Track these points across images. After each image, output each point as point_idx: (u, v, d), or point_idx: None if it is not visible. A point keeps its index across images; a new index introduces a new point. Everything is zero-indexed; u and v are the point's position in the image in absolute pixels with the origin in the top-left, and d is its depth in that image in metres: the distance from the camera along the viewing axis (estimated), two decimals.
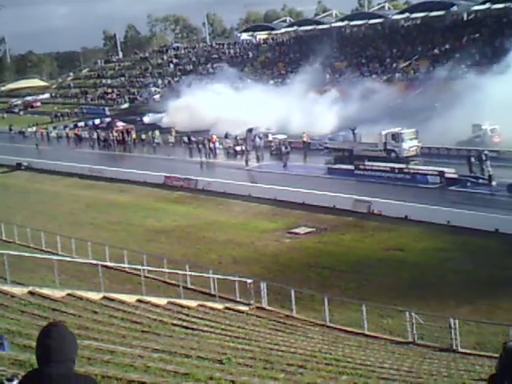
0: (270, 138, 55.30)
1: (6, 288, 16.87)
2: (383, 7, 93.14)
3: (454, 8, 74.63)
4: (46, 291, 17.62)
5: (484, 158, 39.89)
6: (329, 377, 12.46)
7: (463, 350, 18.02)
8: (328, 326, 20.65)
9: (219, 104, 61.91)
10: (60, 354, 3.41)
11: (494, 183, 36.48)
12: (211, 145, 56.34)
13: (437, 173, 39.30)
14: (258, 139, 54.74)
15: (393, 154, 44.50)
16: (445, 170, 39.31)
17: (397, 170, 40.99)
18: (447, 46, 67.40)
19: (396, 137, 44.68)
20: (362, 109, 52.50)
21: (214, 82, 71.55)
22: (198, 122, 62.08)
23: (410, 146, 44.32)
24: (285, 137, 54.44)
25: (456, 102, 45.58)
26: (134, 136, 66.54)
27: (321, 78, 68.78)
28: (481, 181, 37.19)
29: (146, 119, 75.43)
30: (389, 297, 23.18)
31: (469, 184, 37.31)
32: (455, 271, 25.71)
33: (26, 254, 22.26)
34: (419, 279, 25.24)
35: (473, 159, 39.86)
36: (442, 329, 18.21)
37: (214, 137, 57.33)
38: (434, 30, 72.32)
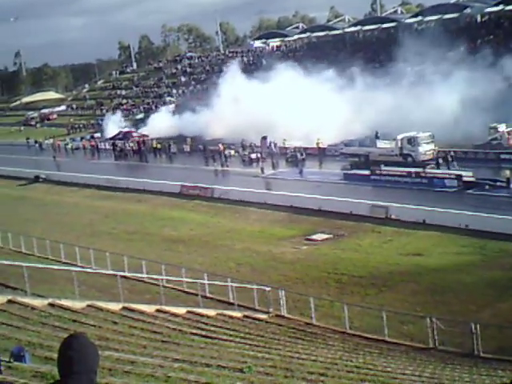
0: (286, 144, 55.32)
1: (27, 300, 16.98)
2: (396, 11, 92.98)
3: (468, 10, 74.24)
4: (66, 303, 17.69)
5: (450, 159, 40.99)
6: None
7: (485, 355, 17.86)
8: (348, 334, 20.55)
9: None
10: (82, 365, 3.39)
11: None
12: (226, 152, 56.41)
13: (454, 176, 39.04)
14: (273, 146, 54.84)
15: (409, 159, 44.35)
16: (462, 173, 39.07)
17: (413, 175, 40.74)
18: (462, 49, 67.02)
19: (412, 141, 44.55)
20: None
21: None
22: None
23: (426, 149, 44.17)
24: (300, 143, 54.30)
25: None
26: (154, 145, 66.65)
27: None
28: (499, 184, 36.91)
29: None
30: (409, 302, 23.04)
31: (487, 187, 37.03)
32: (475, 275, 25.49)
33: (46, 266, 22.41)
34: (439, 284, 25.04)
35: (440, 160, 41.04)
36: (464, 334, 18.04)
37: (221, 146, 57.29)
38: (448, 33, 71.94)
